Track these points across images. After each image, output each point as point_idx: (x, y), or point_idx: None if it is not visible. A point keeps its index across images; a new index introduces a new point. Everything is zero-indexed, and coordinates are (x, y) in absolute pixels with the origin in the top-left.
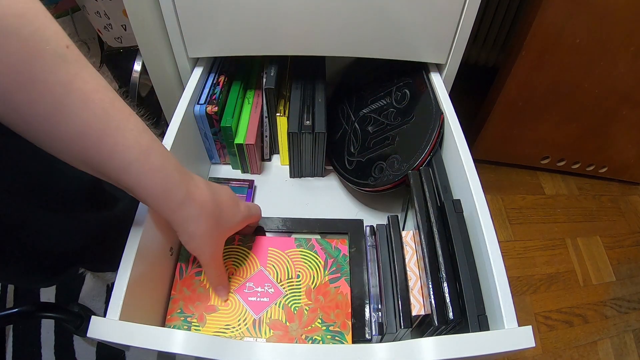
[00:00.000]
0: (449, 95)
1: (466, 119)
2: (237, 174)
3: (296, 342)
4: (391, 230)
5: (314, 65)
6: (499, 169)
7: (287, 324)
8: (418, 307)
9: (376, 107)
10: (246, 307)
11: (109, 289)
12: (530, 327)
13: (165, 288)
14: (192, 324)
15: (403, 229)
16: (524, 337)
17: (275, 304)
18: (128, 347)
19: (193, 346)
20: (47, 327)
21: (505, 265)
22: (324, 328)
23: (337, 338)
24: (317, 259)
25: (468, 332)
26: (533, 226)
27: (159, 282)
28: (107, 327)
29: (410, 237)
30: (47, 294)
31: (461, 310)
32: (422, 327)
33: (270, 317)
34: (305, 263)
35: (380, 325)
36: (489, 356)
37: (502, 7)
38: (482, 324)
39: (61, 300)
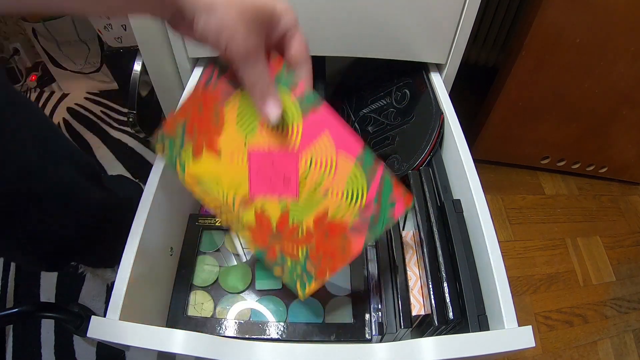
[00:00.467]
0: (449, 95)
1: (466, 119)
2: None
3: (264, 250)
4: (391, 230)
5: (313, 65)
6: (499, 169)
7: (274, 228)
8: (418, 307)
9: (376, 107)
10: (248, 177)
11: (109, 289)
12: (530, 327)
13: (165, 288)
14: (183, 149)
15: (403, 229)
16: (524, 337)
17: (279, 201)
18: (128, 347)
19: (193, 346)
20: (47, 327)
21: (505, 265)
22: (302, 262)
23: (304, 279)
24: (362, 195)
25: (468, 332)
26: (533, 226)
27: (159, 282)
28: (107, 327)
29: (410, 237)
30: (47, 294)
31: (461, 310)
32: (422, 327)
33: (264, 207)
34: (347, 188)
35: (380, 325)
36: (489, 356)
37: (502, 7)
38: (482, 324)
39: (61, 300)
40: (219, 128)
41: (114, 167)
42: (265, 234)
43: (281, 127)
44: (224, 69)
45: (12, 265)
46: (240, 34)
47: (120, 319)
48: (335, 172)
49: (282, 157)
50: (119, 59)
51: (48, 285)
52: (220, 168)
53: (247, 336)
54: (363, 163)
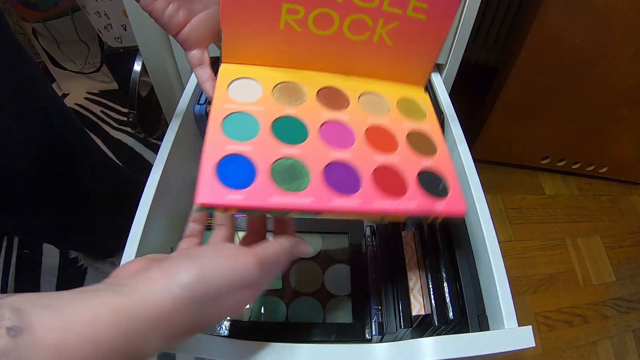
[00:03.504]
0: (449, 95)
1: (466, 119)
2: None
3: None
4: (391, 230)
5: None
6: (499, 169)
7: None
8: (418, 307)
9: None
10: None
11: None
12: (530, 327)
13: None
14: None
15: (403, 229)
16: (524, 337)
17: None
18: None
19: (193, 346)
20: None
21: (505, 265)
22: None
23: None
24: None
25: (468, 332)
26: (533, 226)
27: None
28: None
29: (410, 237)
30: None
31: (461, 310)
32: (422, 327)
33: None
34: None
35: (380, 325)
36: (489, 356)
37: (502, 7)
38: (482, 324)
39: None
40: None
41: None
42: None
43: None
44: None
45: (12, 265)
46: None
47: None
48: None
49: None
50: (119, 59)
51: (48, 285)
52: None
53: (246, 336)
54: None
